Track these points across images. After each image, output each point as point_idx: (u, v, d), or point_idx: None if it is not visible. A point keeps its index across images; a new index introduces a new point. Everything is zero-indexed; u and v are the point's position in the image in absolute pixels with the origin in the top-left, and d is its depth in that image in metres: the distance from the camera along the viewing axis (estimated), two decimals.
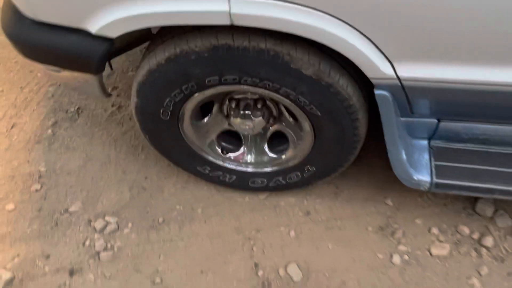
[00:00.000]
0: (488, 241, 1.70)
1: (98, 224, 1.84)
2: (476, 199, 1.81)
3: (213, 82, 1.38)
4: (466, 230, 1.74)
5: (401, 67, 1.25)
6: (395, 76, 1.27)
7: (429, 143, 1.59)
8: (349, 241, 1.76)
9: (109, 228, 1.83)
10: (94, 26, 1.29)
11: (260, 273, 1.69)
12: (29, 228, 1.85)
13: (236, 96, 1.58)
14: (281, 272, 1.68)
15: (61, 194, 1.96)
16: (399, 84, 1.30)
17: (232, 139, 1.79)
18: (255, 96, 1.57)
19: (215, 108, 1.65)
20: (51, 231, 1.84)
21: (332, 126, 1.46)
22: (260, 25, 1.17)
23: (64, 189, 1.98)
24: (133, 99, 1.54)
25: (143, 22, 1.23)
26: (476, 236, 1.73)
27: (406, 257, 1.69)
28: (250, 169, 1.75)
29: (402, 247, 1.72)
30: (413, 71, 1.25)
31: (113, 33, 1.29)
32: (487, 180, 1.49)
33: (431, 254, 1.70)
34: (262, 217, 1.84)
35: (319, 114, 1.42)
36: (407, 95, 1.35)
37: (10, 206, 1.92)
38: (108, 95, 1.65)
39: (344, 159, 1.62)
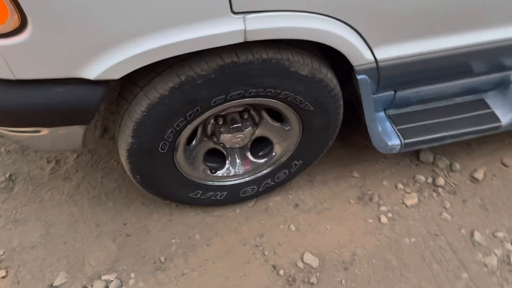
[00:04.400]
0: (440, 181, 2.06)
1: (98, 286, 1.68)
2: (417, 152, 2.17)
3: (219, 101, 1.41)
4: (421, 178, 2.07)
5: (378, 50, 1.47)
6: (373, 60, 1.49)
7: (385, 113, 1.87)
8: (340, 217, 1.94)
9: (112, 286, 1.69)
10: (94, 71, 1.21)
11: (281, 272, 1.76)
12: None
13: (222, 113, 1.62)
14: (300, 264, 1.78)
15: (36, 271, 1.73)
16: (375, 66, 1.52)
17: (214, 157, 1.81)
18: (240, 109, 1.63)
19: (199, 131, 1.66)
20: None
21: (321, 117, 1.62)
22: (272, 36, 1.26)
23: (37, 265, 1.74)
24: (127, 141, 1.46)
25: (157, 55, 1.21)
26: (430, 180, 2.07)
27: (390, 214, 1.95)
28: (247, 179, 1.81)
29: (383, 208, 1.97)
30: (387, 52, 1.49)
31: (119, 74, 1.23)
32: (439, 130, 1.83)
33: (406, 205, 1.98)
34: (259, 223, 1.90)
35: (312, 108, 1.56)
36: (379, 75, 1.58)
37: None
38: (85, 145, 1.53)
39: (326, 144, 1.79)
